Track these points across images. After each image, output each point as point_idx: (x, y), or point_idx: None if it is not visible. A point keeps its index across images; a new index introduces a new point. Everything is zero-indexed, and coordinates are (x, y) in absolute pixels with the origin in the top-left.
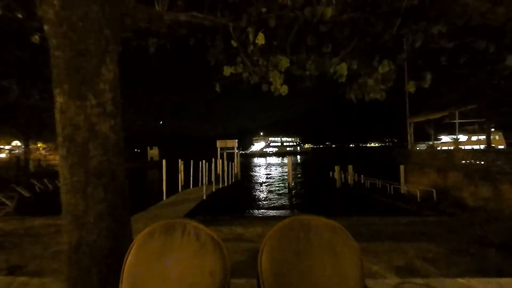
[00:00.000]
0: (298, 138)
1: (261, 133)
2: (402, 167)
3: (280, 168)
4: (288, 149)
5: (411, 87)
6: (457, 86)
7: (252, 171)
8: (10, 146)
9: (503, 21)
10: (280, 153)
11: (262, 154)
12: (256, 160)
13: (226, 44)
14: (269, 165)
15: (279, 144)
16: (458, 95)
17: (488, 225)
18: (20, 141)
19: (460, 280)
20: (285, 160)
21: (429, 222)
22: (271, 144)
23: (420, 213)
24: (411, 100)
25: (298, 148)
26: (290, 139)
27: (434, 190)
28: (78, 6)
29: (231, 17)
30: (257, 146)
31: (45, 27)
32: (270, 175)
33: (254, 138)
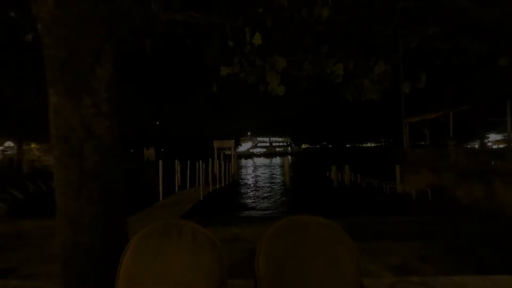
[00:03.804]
0: (289, 138)
1: (249, 133)
2: (397, 167)
3: (270, 169)
4: (277, 149)
5: (406, 88)
6: (451, 87)
7: (244, 173)
8: (2, 147)
9: (496, 22)
10: (269, 154)
11: (249, 155)
12: (244, 161)
13: (223, 44)
14: (259, 167)
15: (268, 144)
16: (452, 95)
17: (482, 223)
18: (13, 142)
19: (455, 278)
20: (274, 161)
21: (424, 221)
22: (259, 144)
23: (416, 212)
24: (408, 101)
25: (289, 148)
26: (280, 139)
27: (429, 190)
28: (72, 4)
29: (228, 17)
30: (245, 146)
31: (39, 26)
32: (265, 176)
33: (242, 138)
